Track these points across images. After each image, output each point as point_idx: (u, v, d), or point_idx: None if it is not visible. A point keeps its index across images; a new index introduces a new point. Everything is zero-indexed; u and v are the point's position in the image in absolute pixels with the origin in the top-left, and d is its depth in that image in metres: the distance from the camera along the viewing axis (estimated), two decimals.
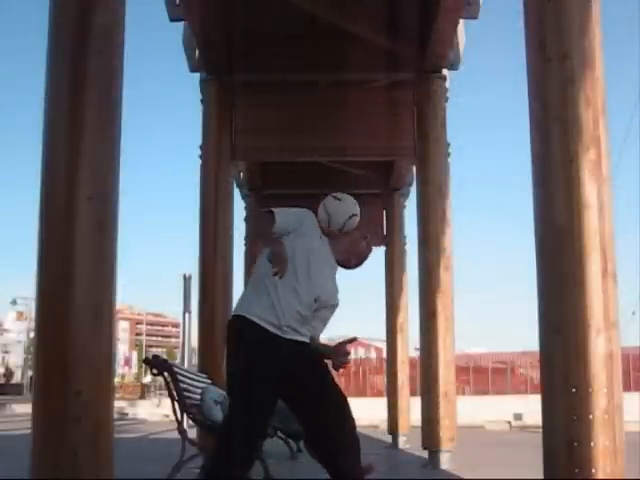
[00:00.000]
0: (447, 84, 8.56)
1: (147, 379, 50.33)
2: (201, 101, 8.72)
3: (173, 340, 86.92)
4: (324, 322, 3.78)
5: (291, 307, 3.59)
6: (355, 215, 3.88)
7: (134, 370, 73.05)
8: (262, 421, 3.58)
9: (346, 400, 3.68)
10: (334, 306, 3.79)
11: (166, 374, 5.20)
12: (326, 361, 3.75)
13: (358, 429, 3.66)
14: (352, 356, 3.92)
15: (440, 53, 8.14)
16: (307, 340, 3.68)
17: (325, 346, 3.83)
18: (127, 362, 76.33)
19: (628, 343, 22.01)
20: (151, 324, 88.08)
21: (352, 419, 3.65)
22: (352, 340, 3.76)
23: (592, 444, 3.61)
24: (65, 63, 4.27)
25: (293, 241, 3.65)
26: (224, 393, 5.43)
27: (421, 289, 8.21)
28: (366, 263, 4.04)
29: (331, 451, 3.58)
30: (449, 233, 8.18)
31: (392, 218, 13.01)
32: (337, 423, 3.59)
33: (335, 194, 3.92)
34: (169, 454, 5.56)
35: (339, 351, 3.73)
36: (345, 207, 3.88)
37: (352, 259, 3.94)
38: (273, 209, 3.69)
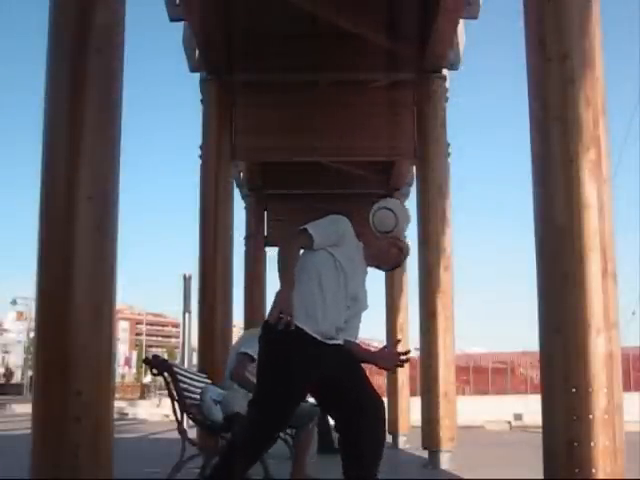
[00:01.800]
0: (447, 84, 8.56)
1: (147, 379, 50.34)
2: (201, 101, 8.72)
3: (173, 340, 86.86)
4: (357, 327, 3.84)
5: (331, 315, 3.63)
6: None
7: (134, 370, 73.08)
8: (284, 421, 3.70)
9: (382, 404, 3.70)
10: (364, 309, 3.87)
11: (166, 374, 5.20)
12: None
13: None
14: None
15: (440, 53, 8.14)
16: (341, 342, 3.72)
17: (366, 352, 3.89)
18: (127, 362, 76.34)
19: (628, 343, 22.00)
20: (151, 324, 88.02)
21: (383, 424, 3.70)
22: (397, 342, 3.81)
23: (592, 444, 3.61)
24: (65, 63, 4.27)
25: (334, 250, 3.68)
26: (224, 392, 5.44)
27: (421, 289, 8.21)
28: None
29: (356, 455, 3.60)
30: (449, 233, 8.18)
31: None
32: (369, 429, 3.61)
33: (392, 199, 4.01)
34: (169, 454, 5.55)
35: (382, 355, 3.81)
36: (407, 212, 4.01)
37: (382, 265, 4.02)
38: (307, 227, 3.68)
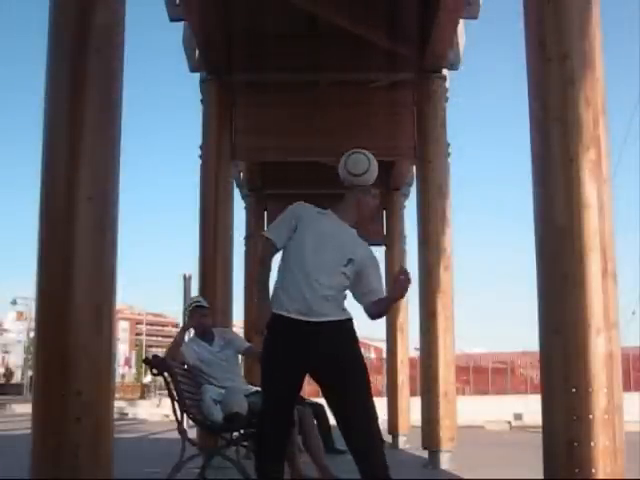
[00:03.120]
0: (447, 84, 8.56)
1: (147, 379, 50.33)
2: (201, 101, 8.72)
3: None
4: (373, 283, 3.89)
5: (305, 290, 3.71)
6: None
7: (134, 370, 73.06)
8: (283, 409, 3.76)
9: (369, 395, 3.79)
10: (371, 264, 3.91)
11: (166, 374, 5.20)
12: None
13: None
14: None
15: (440, 53, 8.14)
16: (337, 317, 3.76)
17: (388, 300, 3.92)
18: (127, 362, 76.34)
19: (628, 343, 22.02)
20: (151, 324, 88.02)
21: (371, 414, 3.76)
22: (400, 271, 3.82)
23: (592, 444, 3.61)
24: (65, 63, 4.27)
25: (297, 233, 3.83)
26: (223, 393, 5.45)
27: (421, 289, 8.21)
28: None
29: (357, 448, 3.68)
30: (449, 233, 8.18)
31: (392, 218, 13.01)
32: (357, 417, 3.72)
33: (358, 151, 4.12)
34: (169, 454, 5.55)
35: (395, 289, 3.84)
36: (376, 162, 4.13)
37: (366, 220, 4.14)
38: (264, 232, 3.94)
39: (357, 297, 3.91)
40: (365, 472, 3.65)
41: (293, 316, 3.71)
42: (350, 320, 3.84)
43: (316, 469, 5.35)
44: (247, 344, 6.06)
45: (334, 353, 3.72)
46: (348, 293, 3.91)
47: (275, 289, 3.82)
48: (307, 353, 3.70)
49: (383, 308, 3.90)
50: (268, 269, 3.89)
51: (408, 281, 3.78)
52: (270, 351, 3.77)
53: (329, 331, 3.72)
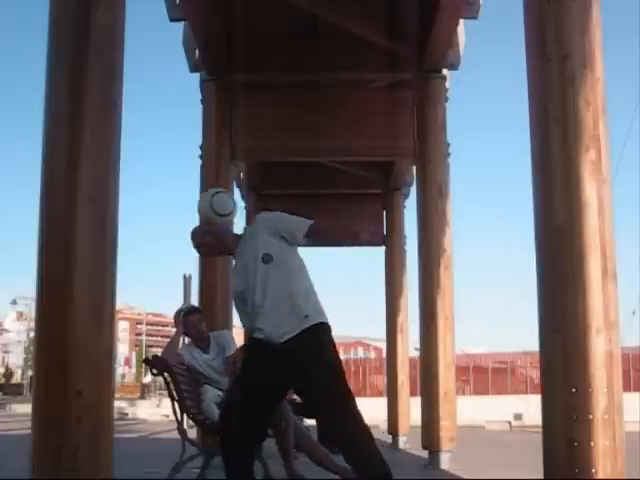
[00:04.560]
0: (447, 84, 8.56)
1: (147, 379, 50.32)
2: (201, 101, 8.72)
3: None
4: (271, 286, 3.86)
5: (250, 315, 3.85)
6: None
7: (134, 370, 73.05)
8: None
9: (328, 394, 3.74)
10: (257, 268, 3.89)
11: (166, 374, 5.20)
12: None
13: None
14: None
15: (440, 53, 8.14)
16: (297, 331, 3.75)
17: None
18: (127, 362, 76.36)
19: (628, 343, 22.03)
20: (151, 324, 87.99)
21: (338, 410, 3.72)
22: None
23: (592, 444, 3.61)
24: (65, 63, 4.27)
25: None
26: (222, 394, 5.44)
27: (421, 289, 8.21)
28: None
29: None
30: (449, 233, 8.18)
31: (392, 218, 13.01)
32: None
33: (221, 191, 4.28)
34: (169, 454, 5.55)
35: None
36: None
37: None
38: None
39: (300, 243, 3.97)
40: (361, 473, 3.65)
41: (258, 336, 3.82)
42: (310, 330, 3.77)
43: (284, 467, 5.35)
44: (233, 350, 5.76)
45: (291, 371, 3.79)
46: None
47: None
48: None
49: None
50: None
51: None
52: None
53: (287, 353, 3.74)
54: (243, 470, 3.86)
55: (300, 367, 3.72)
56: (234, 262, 4.05)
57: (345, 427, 3.69)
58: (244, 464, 3.88)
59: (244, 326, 4.01)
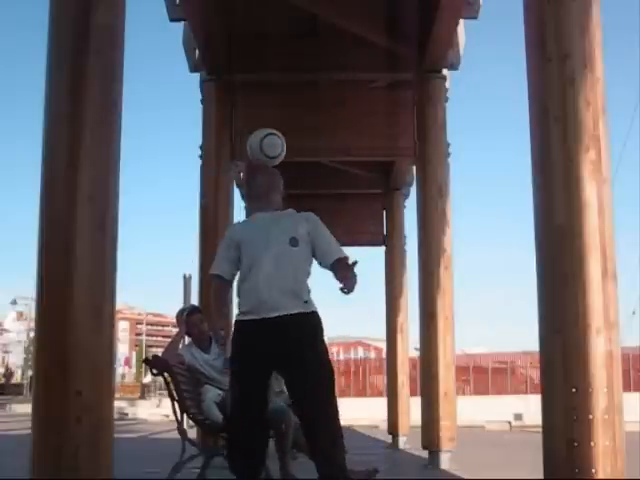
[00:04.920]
0: (447, 84, 8.56)
1: (147, 379, 50.32)
2: (201, 101, 8.72)
3: None
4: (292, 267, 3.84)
5: (256, 290, 3.76)
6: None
7: (134, 370, 73.05)
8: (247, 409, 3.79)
9: (326, 393, 3.71)
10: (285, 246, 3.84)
11: (166, 374, 5.20)
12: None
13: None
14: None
15: (440, 53, 8.14)
16: (295, 310, 3.73)
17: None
18: (127, 362, 76.35)
19: (628, 343, 22.03)
20: (151, 324, 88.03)
21: (325, 412, 3.69)
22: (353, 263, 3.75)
23: (592, 444, 3.61)
24: (65, 63, 4.27)
25: (240, 250, 3.88)
26: (222, 393, 5.44)
27: (421, 289, 8.21)
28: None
29: (314, 447, 3.72)
30: (449, 233, 8.18)
31: (392, 218, 13.01)
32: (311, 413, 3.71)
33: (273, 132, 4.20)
34: (169, 454, 5.55)
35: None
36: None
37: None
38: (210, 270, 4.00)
39: (323, 266, 3.89)
40: (322, 472, 3.64)
41: (248, 317, 3.76)
42: (308, 314, 3.77)
43: (280, 468, 5.36)
44: None
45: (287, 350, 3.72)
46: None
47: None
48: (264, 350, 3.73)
49: (343, 273, 3.78)
50: (224, 302, 4.05)
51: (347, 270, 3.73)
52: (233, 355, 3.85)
53: (283, 326, 3.71)
54: (251, 470, 3.85)
55: (295, 342, 3.70)
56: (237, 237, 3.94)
57: (326, 415, 3.69)
58: (252, 464, 3.87)
59: (238, 300, 3.87)
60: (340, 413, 3.73)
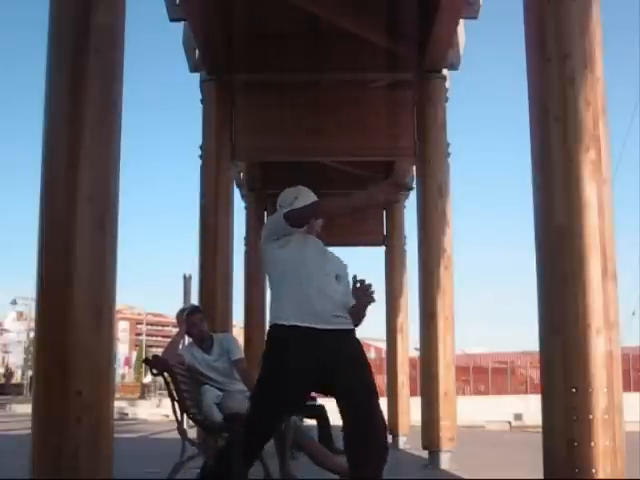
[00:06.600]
0: (447, 84, 8.56)
1: (147, 379, 50.31)
2: (201, 101, 8.72)
3: None
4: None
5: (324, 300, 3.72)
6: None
7: (134, 370, 73.03)
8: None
9: (371, 400, 3.65)
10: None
11: (166, 374, 5.20)
12: None
13: None
14: None
15: (440, 53, 8.14)
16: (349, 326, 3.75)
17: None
18: (127, 362, 76.34)
19: (628, 343, 22.04)
20: (151, 324, 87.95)
21: (376, 423, 3.61)
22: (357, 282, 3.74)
23: (592, 444, 3.61)
24: (65, 63, 4.27)
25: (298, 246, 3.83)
26: (222, 394, 5.44)
27: (421, 289, 8.21)
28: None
29: (353, 451, 3.60)
30: (449, 233, 8.18)
31: (392, 218, 13.02)
32: (358, 425, 3.59)
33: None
34: (169, 454, 5.55)
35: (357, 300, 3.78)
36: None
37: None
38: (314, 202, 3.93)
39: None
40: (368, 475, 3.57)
41: (306, 324, 3.65)
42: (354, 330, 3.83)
43: (279, 467, 5.35)
44: (238, 356, 5.72)
45: (342, 357, 3.68)
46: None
47: (278, 301, 3.78)
48: (317, 361, 3.63)
49: (355, 318, 3.83)
50: None
51: (366, 294, 3.73)
52: (276, 363, 3.68)
53: (339, 338, 3.69)
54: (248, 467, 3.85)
55: (352, 355, 3.72)
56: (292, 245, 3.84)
57: (378, 422, 3.64)
58: (249, 464, 3.86)
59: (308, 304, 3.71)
60: None
